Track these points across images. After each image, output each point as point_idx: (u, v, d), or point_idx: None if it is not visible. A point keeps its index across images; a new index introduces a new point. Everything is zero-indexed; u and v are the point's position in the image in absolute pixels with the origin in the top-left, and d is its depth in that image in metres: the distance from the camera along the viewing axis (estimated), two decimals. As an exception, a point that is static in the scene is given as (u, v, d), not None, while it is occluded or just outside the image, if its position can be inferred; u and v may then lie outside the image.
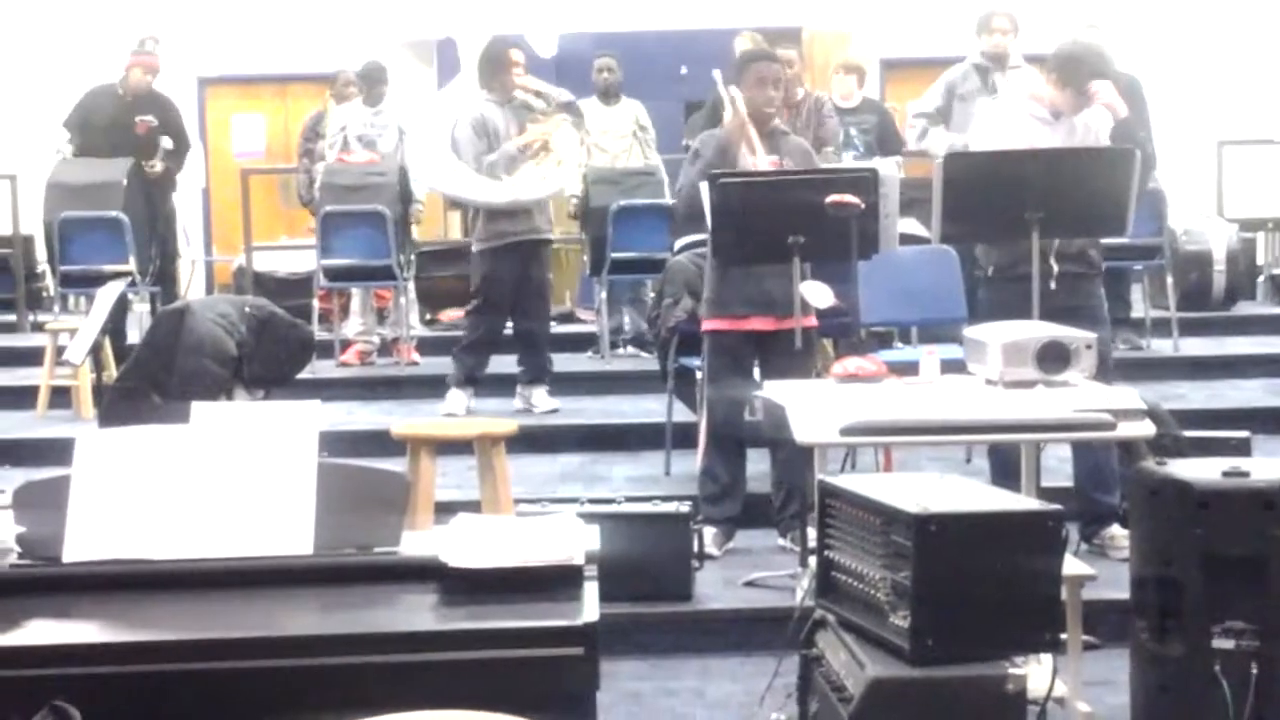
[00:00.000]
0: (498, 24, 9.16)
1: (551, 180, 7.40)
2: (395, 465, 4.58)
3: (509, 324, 7.61)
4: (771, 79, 5.64)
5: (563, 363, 8.57)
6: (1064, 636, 3.77)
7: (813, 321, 5.34)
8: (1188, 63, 12.43)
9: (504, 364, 7.75)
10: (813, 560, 3.50)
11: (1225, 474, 3.57)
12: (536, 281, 7.51)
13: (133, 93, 9.00)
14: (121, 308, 8.04)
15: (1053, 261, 5.19)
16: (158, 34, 9.55)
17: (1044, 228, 4.96)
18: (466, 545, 2.69)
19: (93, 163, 8.74)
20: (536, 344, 7.65)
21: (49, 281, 10.01)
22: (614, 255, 8.70)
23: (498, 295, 7.44)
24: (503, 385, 7.76)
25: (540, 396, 7.62)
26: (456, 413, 7.28)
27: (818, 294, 5.11)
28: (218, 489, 2.72)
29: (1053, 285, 5.15)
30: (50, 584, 2.65)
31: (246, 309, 6.09)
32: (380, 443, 5.91)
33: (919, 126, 7.75)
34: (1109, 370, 5.10)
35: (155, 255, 8.87)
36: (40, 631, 2.49)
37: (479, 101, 7.59)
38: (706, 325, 5.66)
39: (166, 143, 8.88)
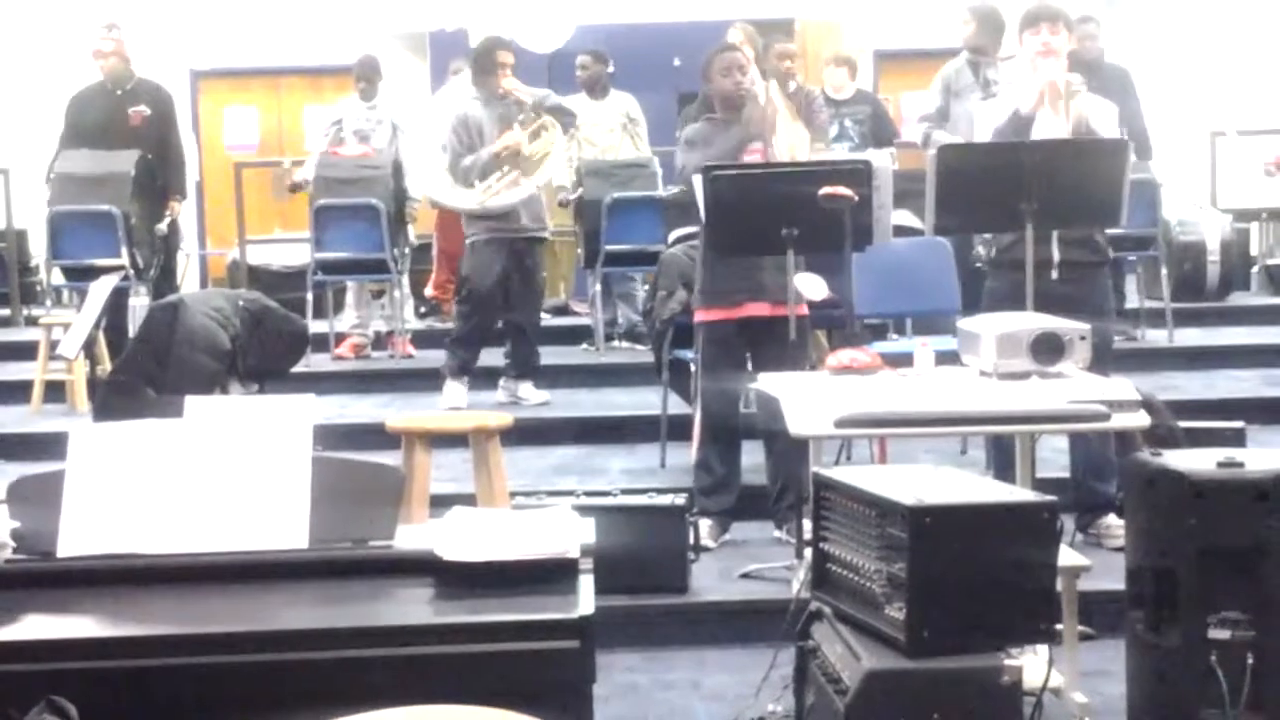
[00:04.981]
0: (480, 17, 9.16)
1: (521, 188, 7.35)
2: (390, 459, 4.57)
3: (500, 318, 7.64)
4: (736, 65, 5.70)
5: (557, 355, 8.59)
6: (1060, 627, 3.79)
7: (803, 310, 5.33)
8: (1181, 53, 12.43)
9: (498, 357, 7.75)
10: (808, 552, 3.51)
11: (1220, 465, 3.57)
12: (526, 277, 7.52)
13: (118, 84, 8.92)
14: (119, 302, 8.02)
15: (1055, 248, 5.19)
16: (118, 20, 9.41)
17: (1038, 219, 4.95)
18: (462, 538, 2.69)
19: (99, 154, 8.67)
20: (525, 338, 7.67)
21: (43, 275, 9.99)
22: (608, 248, 8.70)
23: (483, 289, 7.47)
24: (497, 378, 7.76)
25: (528, 390, 7.65)
26: (459, 405, 7.31)
27: (811, 286, 5.11)
28: (212, 483, 2.72)
29: (1054, 274, 5.15)
30: (45, 579, 2.65)
31: (240, 302, 6.08)
32: (375, 436, 5.90)
33: (923, 130, 7.75)
34: (1109, 362, 5.09)
35: (160, 249, 8.85)
36: (35, 627, 2.48)
37: (466, 100, 7.73)
38: (699, 315, 5.66)
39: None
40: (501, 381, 7.68)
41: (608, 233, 8.69)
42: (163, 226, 8.87)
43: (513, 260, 7.46)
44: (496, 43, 7.68)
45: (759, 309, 5.50)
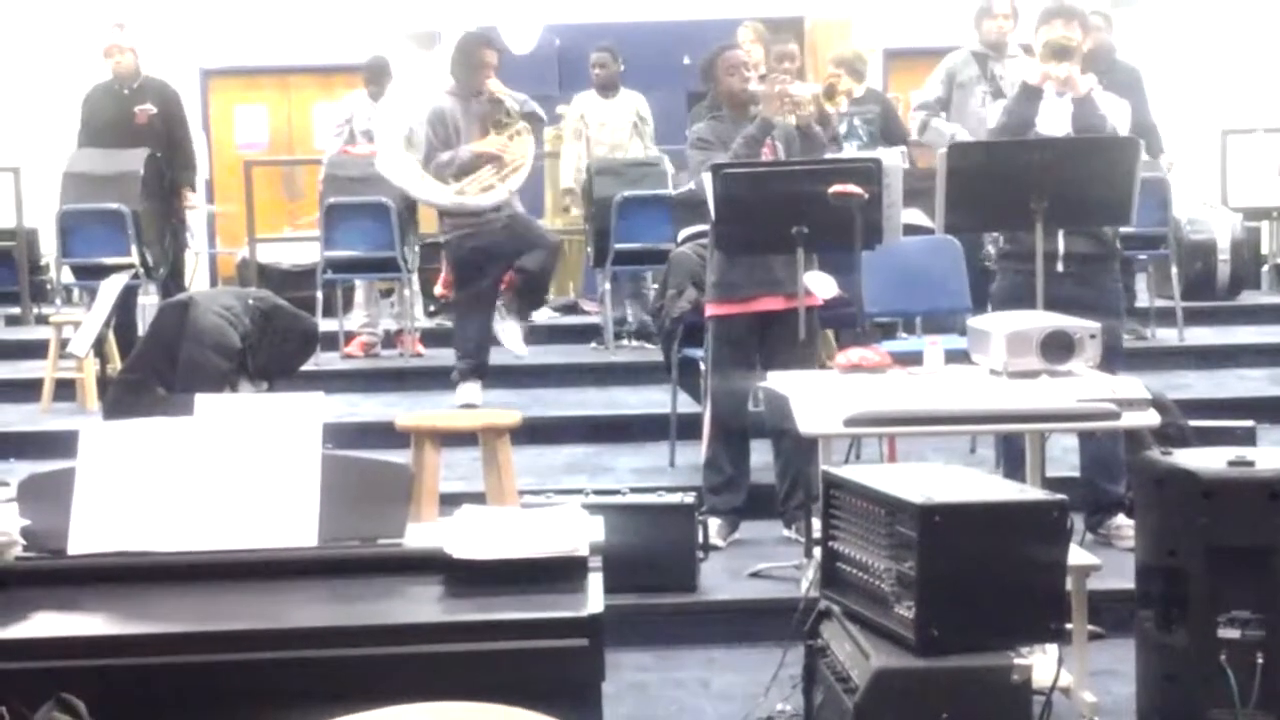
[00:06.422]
0: (486, 16, 9.10)
1: (495, 192, 7.19)
2: (399, 457, 4.58)
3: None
4: (739, 64, 5.73)
5: (566, 354, 8.60)
6: (1069, 626, 3.77)
7: (816, 301, 5.33)
8: (1192, 51, 12.40)
9: (509, 356, 7.74)
10: (817, 551, 3.50)
11: (1230, 464, 3.57)
12: (518, 234, 7.31)
13: (125, 83, 8.94)
14: (128, 300, 8.03)
15: (1060, 240, 5.18)
16: (129, 18, 9.43)
17: (1048, 217, 4.95)
18: (471, 537, 2.69)
19: (109, 153, 8.69)
20: (535, 283, 7.53)
21: (53, 274, 10.02)
22: (617, 246, 8.70)
23: (474, 277, 7.32)
24: (508, 377, 7.76)
25: (512, 330, 7.52)
26: (474, 403, 7.26)
27: (821, 284, 5.11)
28: (222, 481, 2.72)
29: (1059, 267, 5.14)
30: (55, 576, 2.66)
31: (250, 301, 6.08)
32: (384, 434, 5.90)
33: (920, 118, 7.75)
34: (1118, 361, 5.09)
35: (169, 247, 8.86)
36: (46, 624, 2.49)
37: (440, 94, 7.46)
38: (711, 310, 5.65)
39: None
40: (499, 311, 7.53)
41: (617, 231, 8.69)
42: (186, 217, 8.89)
43: (499, 238, 7.26)
44: (482, 40, 7.50)
45: (772, 303, 5.50)
